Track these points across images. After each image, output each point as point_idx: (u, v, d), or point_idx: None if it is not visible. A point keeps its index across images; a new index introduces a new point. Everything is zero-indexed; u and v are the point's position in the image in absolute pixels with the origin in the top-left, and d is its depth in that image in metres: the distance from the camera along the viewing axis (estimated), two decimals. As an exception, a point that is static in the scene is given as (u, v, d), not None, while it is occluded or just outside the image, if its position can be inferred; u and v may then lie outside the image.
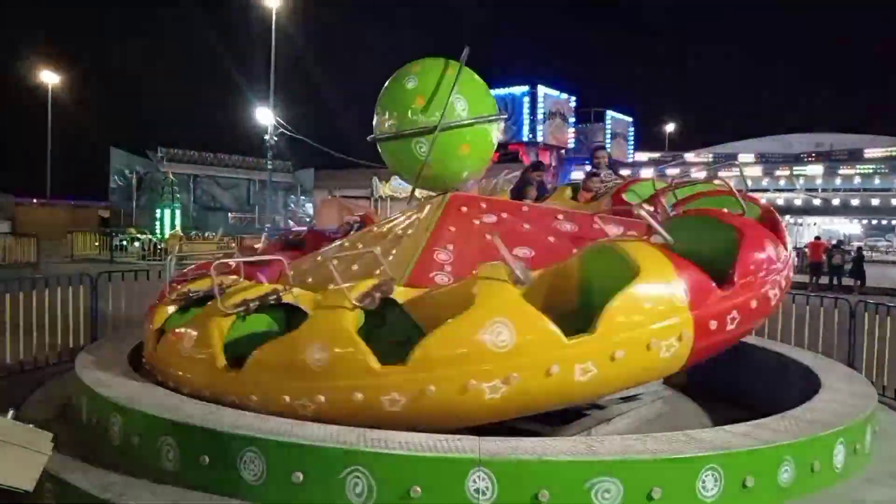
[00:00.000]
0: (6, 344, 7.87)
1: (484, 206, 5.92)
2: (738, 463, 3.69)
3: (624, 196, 6.98)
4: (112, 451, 4.22)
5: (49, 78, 50.75)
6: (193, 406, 4.17)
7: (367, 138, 6.01)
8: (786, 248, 4.80)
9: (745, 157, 39.35)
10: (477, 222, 5.66)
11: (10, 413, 2.84)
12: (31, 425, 2.93)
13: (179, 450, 3.87)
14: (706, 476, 3.61)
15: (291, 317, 4.76)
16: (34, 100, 52.32)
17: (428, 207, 5.88)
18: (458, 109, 5.56)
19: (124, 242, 27.89)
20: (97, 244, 28.48)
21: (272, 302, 4.69)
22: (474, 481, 3.40)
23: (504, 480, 3.42)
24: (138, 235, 28.44)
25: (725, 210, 4.95)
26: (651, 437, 3.87)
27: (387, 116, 5.69)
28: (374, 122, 5.88)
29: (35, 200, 48.45)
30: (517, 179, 7.92)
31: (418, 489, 3.42)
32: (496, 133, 6.01)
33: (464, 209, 5.75)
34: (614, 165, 8.68)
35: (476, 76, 5.84)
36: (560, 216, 6.06)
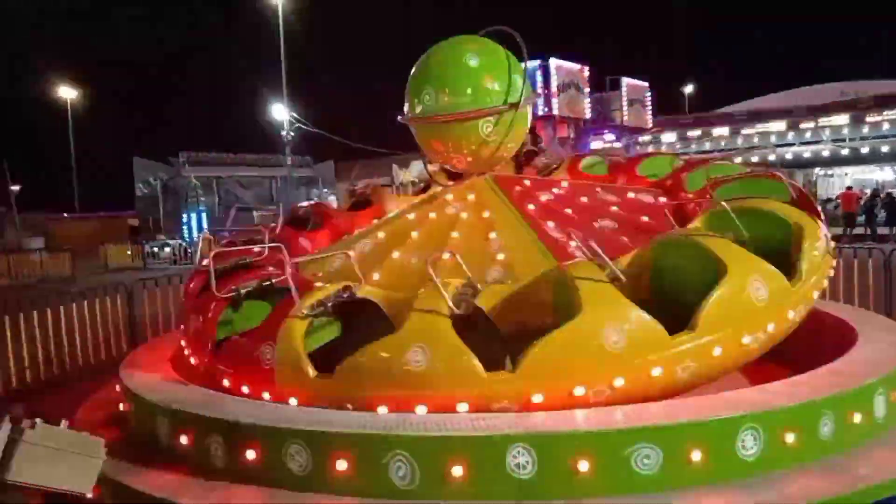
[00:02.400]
0: (51, 357, 8.11)
1: (528, 184, 6.10)
2: (776, 421, 3.71)
3: (637, 170, 6.96)
4: (163, 452, 4.36)
5: (67, 93, 51.45)
6: (237, 403, 4.28)
7: (411, 119, 5.80)
8: (826, 232, 4.94)
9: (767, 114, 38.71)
10: (543, 199, 5.77)
11: (63, 423, 2.97)
12: (85, 432, 3.06)
13: (226, 447, 3.99)
14: (745, 436, 3.62)
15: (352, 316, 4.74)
16: (54, 116, 53.09)
17: (468, 193, 5.84)
18: (520, 88, 5.59)
19: (155, 249, 28.38)
20: (129, 253, 29.00)
21: (346, 299, 4.54)
22: (514, 456, 3.46)
23: (543, 453, 3.47)
24: (168, 241, 28.92)
25: (770, 199, 5.01)
26: (688, 400, 3.89)
27: (444, 95, 5.55)
28: (415, 103, 5.72)
29: (66, 215, 49.36)
30: None
31: (460, 468, 3.49)
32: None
33: (517, 189, 5.87)
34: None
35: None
36: (598, 189, 6.16)
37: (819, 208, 5.22)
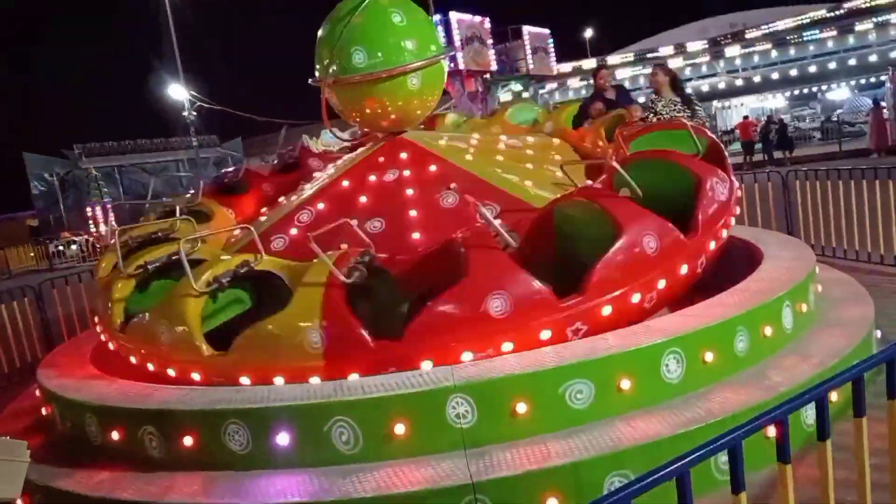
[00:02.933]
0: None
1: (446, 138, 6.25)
2: (695, 342, 3.90)
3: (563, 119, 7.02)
4: (93, 451, 4.22)
5: (-60, 91, 47.71)
6: (167, 392, 4.18)
7: (337, 80, 5.59)
8: (732, 180, 5.06)
9: (665, 50, 39.78)
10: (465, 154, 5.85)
11: (-18, 430, 2.83)
12: (5, 436, 2.92)
13: (162, 436, 3.90)
14: (668, 360, 3.81)
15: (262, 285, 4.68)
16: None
17: (400, 152, 5.77)
18: (438, 40, 5.68)
19: (61, 247, 26.99)
20: (32, 255, 27.47)
21: (244, 275, 4.52)
22: (453, 407, 3.53)
23: (481, 401, 3.55)
24: (74, 238, 27.53)
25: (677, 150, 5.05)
26: (611, 333, 4.04)
27: (372, 53, 5.44)
28: (341, 63, 5.55)
29: (-45, 222, 46.19)
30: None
31: (402, 426, 3.53)
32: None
33: (441, 143, 5.97)
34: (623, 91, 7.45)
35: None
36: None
37: (726, 156, 5.38)
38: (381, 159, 5.77)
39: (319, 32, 5.69)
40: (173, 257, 4.75)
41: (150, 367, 4.65)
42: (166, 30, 28.70)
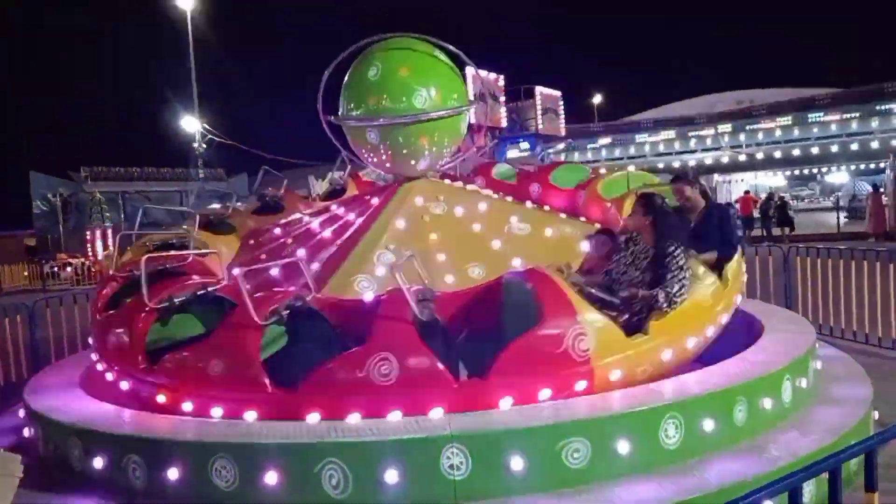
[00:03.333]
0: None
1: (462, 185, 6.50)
2: (696, 408, 3.86)
3: (550, 178, 7.05)
4: (75, 477, 4.12)
5: (-46, 106, 48.24)
6: (157, 420, 4.10)
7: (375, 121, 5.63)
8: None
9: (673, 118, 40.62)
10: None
11: (-24, 441, 2.77)
12: (0, 449, 2.85)
13: (147, 467, 3.81)
14: (668, 424, 3.76)
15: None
16: (-60, 131, 49.51)
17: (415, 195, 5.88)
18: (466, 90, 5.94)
19: (55, 269, 26.85)
20: (26, 274, 27.33)
21: (298, 308, 4.37)
22: (448, 457, 3.46)
23: (476, 453, 3.49)
24: (70, 260, 27.42)
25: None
26: (612, 394, 4.00)
27: (396, 98, 5.56)
28: (354, 104, 5.66)
29: (-47, 236, 46.14)
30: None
31: (395, 472, 3.45)
32: None
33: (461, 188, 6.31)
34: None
35: None
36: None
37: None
38: (374, 200, 5.87)
39: (347, 75, 5.78)
40: (199, 292, 4.66)
41: (189, 405, 4.24)
42: (186, 59, 29.20)
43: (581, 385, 4.01)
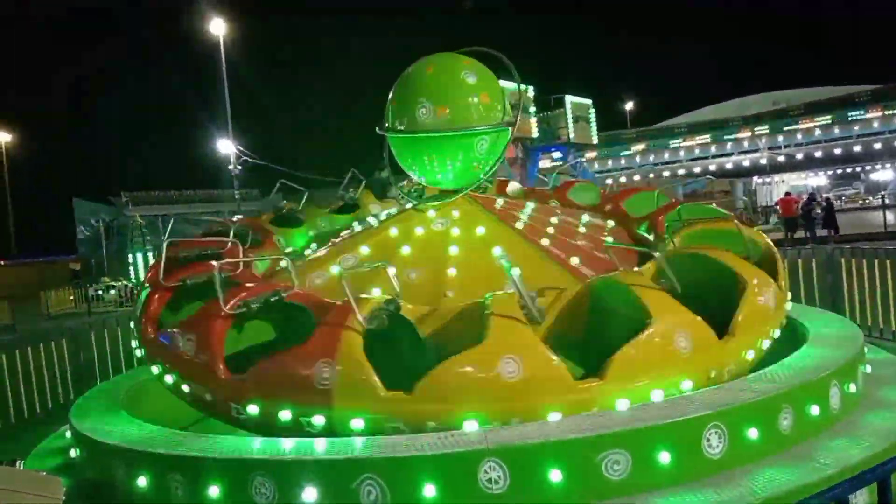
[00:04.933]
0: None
1: (503, 203, 6.29)
2: (739, 417, 3.76)
3: (622, 205, 6.94)
4: (120, 496, 4.18)
5: (1, 137, 49.95)
6: (195, 440, 4.15)
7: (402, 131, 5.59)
8: (783, 290, 4.92)
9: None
10: (524, 219, 5.91)
11: (19, 463, 2.83)
12: (42, 472, 2.91)
13: (188, 485, 3.85)
14: (710, 434, 3.67)
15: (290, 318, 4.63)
16: (-11, 161, 51.28)
17: (452, 209, 5.80)
18: (509, 109, 5.69)
19: (100, 292, 27.52)
20: (72, 298, 28.07)
21: (273, 302, 4.52)
22: (486, 472, 3.43)
23: (515, 467, 3.45)
24: (113, 283, 28.09)
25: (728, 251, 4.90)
26: (651, 403, 3.93)
27: (439, 110, 5.42)
28: (415, 114, 5.51)
29: (2, 262, 47.66)
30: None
31: (432, 487, 3.43)
32: None
33: (498, 207, 6.04)
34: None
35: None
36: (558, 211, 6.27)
37: (781, 266, 5.24)
38: (433, 213, 5.80)
39: (395, 86, 5.74)
40: (273, 296, 4.66)
41: (284, 415, 4.11)
42: (221, 83, 29.81)
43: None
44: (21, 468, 2.78)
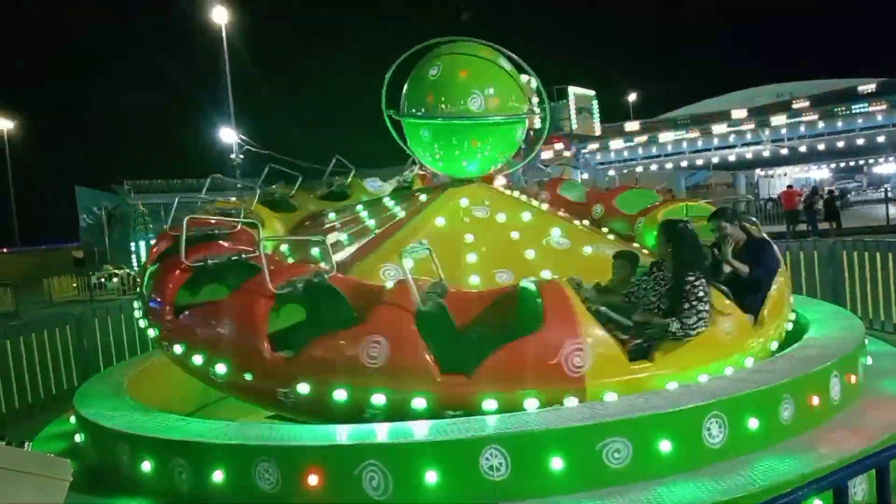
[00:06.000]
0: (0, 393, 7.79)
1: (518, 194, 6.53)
2: (739, 407, 3.79)
3: (615, 202, 6.96)
4: (124, 481, 4.22)
5: (3, 124, 49.90)
6: (199, 425, 4.18)
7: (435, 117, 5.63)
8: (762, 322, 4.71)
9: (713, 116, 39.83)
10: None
11: (27, 444, 2.85)
12: (49, 453, 2.93)
13: (192, 469, 3.88)
14: (710, 424, 3.70)
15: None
16: (-10, 148, 51.28)
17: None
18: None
19: (102, 280, 27.55)
20: (75, 285, 28.10)
21: (316, 283, 4.50)
22: (487, 458, 3.45)
23: (516, 454, 3.47)
24: (115, 271, 28.12)
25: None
26: (651, 393, 3.95)
27: (456, 101, 5.52)
28: (418, 102, 5.66)
29: (5, 250, 47.72)
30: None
31: (434, 474, 3.46)
32: None
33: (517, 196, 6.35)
34: None
35: None
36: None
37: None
38: (423, 197, 5.84)
39: (410, 75, 5.81)
40: (233, 257, 4.72)
41: (339, 396, 4.04)
42: (223, 71, 29.74)
43: (571, 401, 3.90)
44: (29, 449, 2.80)
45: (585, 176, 35.18)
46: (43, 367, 8.32)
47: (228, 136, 31.69)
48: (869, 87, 34.85)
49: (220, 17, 29.45)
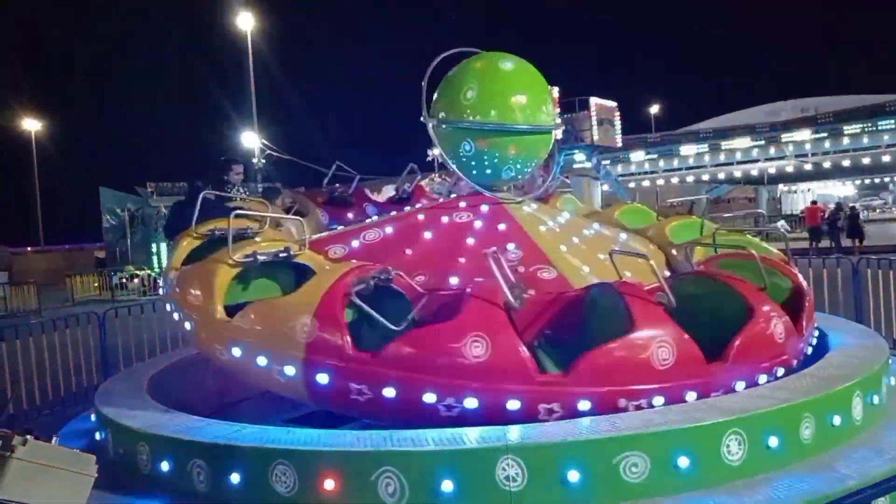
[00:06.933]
0: (21, 390, 7.91)
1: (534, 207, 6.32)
2: (759, 425, 3.75)
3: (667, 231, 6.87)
4: (142, 480, 4.26)
5: (31, 125, 50.75)
6: (218, 427, 4.21)
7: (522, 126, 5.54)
8: (802, 334, 4.73)
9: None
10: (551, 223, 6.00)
11: (55, 439, 2.90)
12: (75, 449, 2.98)
13: (210, 470, 3.92)
14: (730, 441, 3.66)
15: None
16: (19, 148, 52.22)
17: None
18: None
19: (124, 280, 27.87)
20: (96, 285, 28.46)
21: (281, 259, 4.64)
22: (504, 469, 3.45)
23: (533, 465, 3.47)
24: (137, 272, 28.44)
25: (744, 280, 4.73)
26: (671, 408, 3.92)
27: (485, 108, 5.44)
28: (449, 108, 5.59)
29: (30, 249, 48.45)
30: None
31: (449, 483, 3.46)
32: None
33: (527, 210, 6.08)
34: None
35: None
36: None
37: (808, 304, 5.03)
38: (462, 205, 5.82)
39: (442, 88, 5.76)
40: (281, 255, 4.73)
41: (432, 397, 3.95)
42: (247, 77, 30.04)
43: (659, 400, 3.98)
44: (57, 444, 2.85)
45: (606, 188, 35.04)
46: (64, 365, 8.44)
47: (251, 140, 31.95)
48: (894, 103, 34.42)
49: (245, 22, 29.78)
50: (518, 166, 5.78)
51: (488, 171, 5.72)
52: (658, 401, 3.97)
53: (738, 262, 5.15)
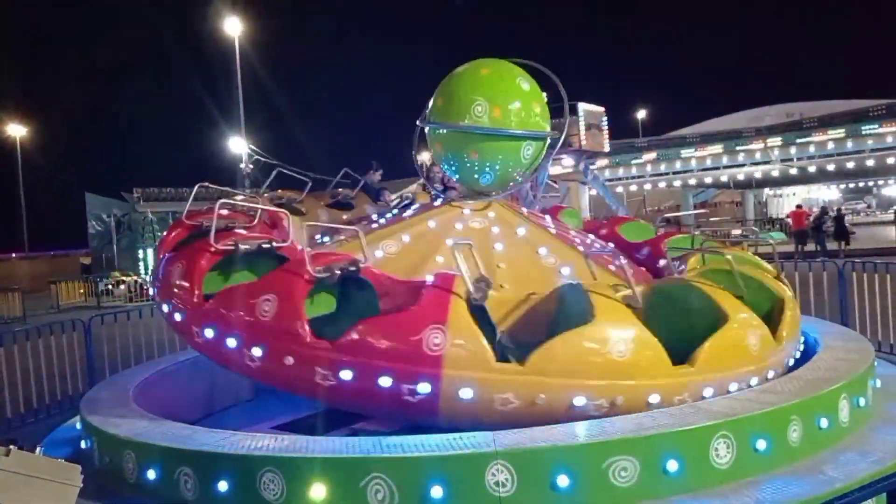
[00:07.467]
0: (6, 398, 7.82)
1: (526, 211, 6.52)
2: (747, 428, 3.77)
3: (618, 230, 6.89)
4: (129, 488, 4.22)
5: (16, 130, 50.32)
6: (205, 434, 4.18)
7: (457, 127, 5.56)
8: (782, 345, 4.71)
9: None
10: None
11: (39, 449, 2.86)
12: (59, 458, 2.94)
13: (197, 478, 3.88)
14: (718, 444, 3.68)
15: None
16: (3, 154, 51.71)
17: (488, 211, 5.87)
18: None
19: (109, 286, 27.65)
20: (82, 291, 28.22)
21: (351, 272, 4.50)
22: (493, 474, 3.44)
23: (522, 470, 3.46)
24: (123, 278, 28.21)
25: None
26: (660, 411, 3.93)
27: (497, 108, 5.45)
28: (471, 112, 5.50)
29: (14, 255, 47.96)
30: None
31: (439, 489, 3.45)
32: None
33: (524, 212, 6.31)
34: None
35: None
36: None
37: (793, 313, 5.03)
38: (468, 211, 5.82)
39: (447, 84, 5.76)
40: (264, 245, 4.78)
41: (387, 380, 4.04)
42: (234, 82, 29.94)
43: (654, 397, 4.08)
44: (41, 454, 2.81)
45: (594, 192, 35.15)
46: (49, 373, 8.34)
47: (238, 146, 31.83)
48: (880, 109, 34.73)
49: (233, 28, 29.70)
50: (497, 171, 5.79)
51: (490, 177, 5.77)
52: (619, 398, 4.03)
53: (723, 271, 5.13)
